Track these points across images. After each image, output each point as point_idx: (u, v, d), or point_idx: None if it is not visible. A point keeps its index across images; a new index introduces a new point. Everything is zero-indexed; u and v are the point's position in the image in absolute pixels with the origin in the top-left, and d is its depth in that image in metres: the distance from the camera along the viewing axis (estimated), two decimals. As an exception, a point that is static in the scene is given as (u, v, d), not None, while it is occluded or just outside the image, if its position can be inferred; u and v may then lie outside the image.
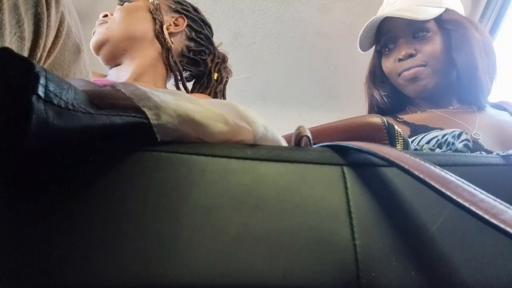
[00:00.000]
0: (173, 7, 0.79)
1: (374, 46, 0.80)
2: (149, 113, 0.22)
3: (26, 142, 0.17)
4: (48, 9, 0.30)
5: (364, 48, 0.76)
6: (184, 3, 0.82)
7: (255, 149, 0.25)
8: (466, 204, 0.18)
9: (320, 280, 0.20)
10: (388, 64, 0.73)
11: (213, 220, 0.20)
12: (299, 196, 0.23)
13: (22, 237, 0.18)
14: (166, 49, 0.72)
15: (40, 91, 0.17)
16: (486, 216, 0.17)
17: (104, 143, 0.21)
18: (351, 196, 0.23)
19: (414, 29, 0.69)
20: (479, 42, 0.69)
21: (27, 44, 0.28)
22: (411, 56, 0.68)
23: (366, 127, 0.44)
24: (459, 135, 0.64)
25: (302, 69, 1.31)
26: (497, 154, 0.32)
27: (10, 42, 0.26)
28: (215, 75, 0.82)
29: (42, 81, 0.17)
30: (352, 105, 1.36)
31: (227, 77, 0.85)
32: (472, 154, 0.30)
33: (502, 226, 0.16)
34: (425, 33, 0.68)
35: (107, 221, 0.19)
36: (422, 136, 0.70)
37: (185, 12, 0.79)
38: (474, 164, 0.29)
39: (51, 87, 0.17)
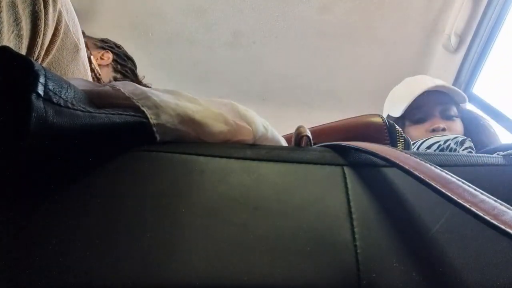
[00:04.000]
0: (99, 44, 0.89)
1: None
2: (148, 113, 0.22)
3: (26, 140, 0.17)
4: (45, 7, 0.30)
5: (397, 113, 0.86)
6: (108, 41, 0.92)
7: (255, 149, 0.25)
8: (467, 205, 0.18)
9: (321, 281, 0.19)
10: (416, 133, 0.83)
11: (213, 221, 0.20)
12: (299, 197, 0.23)
13: (21, 237, 0.18)
14: (96, 79, 0.79)
15: (40, 89, 0.17)
16: (487, 217, 0.17)
17: (104, 142, 0.21)
18: (351, 196, 0.23)
19: (445, 109, 0.82)
20: (488, 128, 0.82)
21: (25, 42, 0.28)
22: (443, 130, 0.79)
23: (367, 127, 0.44)
24: (462, 141, 0.65)
25: (302, 69, 1.31)
26: (498, 154, 0.32)
27: (8, 40, 0.26)
28: None
29: (41, 79, 0.17)
30: (352, 105, 1.36)
31: None
32: (473, 154, 0.30)
33: (502, 227, 0.16)
34: (452, 115, 0.81)
35: (107, 221, 0.19)
36: (422, 140, 0.70)
37: (109, 48, 0.89)
38: (475, 164, 0.29)
39: (51, 85, 0.17)
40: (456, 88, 0.83)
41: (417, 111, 0.82)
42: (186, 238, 0.19)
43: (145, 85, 0.92)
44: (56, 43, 0.33)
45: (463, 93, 0.83)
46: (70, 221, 0.19)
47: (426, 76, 0.90)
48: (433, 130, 0.79)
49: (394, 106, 0.88)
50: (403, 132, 0.84)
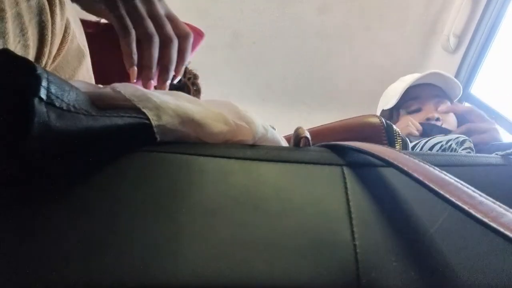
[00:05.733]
0: None
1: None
2: (149, 114, 0.22)
3: (28, 144, 0.17)
4: (52, 16, 0.30)
5: (392, 103, 0.87)
6: None
7: (254, 150, 0.25)
8: (465, 207, 0.18)
9: (320, 281, 0.20)
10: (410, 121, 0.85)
11: (213, 221, 0.20)
12: (299, 197, 0.23)
13: (22, 237, 0.18)
14: None
15: (42, 93, 0.17)
16: (485, 219, 0.17)
17: (105, 144, 0.21)
18: (351, 196, 0.23)
19: (439, 102, 0.83)
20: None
21: (32, 52, 0.28)
22: (438, 119, 0.80)
23: (364, 127, 0.44)
24: (463, 142, 0.65)
25: (302, 69, 1.31)
26: (496, 154, 0.32)
27: (14, 50, 0.26)
28: (191, 88, 0.86)
29: (44, 83, 0.17)
30: (352, 105, 1.36)
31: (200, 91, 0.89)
32: (471, 154, 0.30)
33: (501, 229, 0.16)
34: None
35: (107, 221, 0.19)
36: (426, 140, 0.71)
37: None
38: (473, 164, 0.29)
39: (53, 89, 0.17)
40: (451, 76, 0.85)
41: (414, 101, 0.84)
42: (186, 238, 0.19)
43: (194, 72, 0.85)
44: (63, 51, 0.33)
45: (459, 84, 0.84)
46: (70, 221, 0.19)
47: (421, 74, 0.92)
48: (428, 119, 0.80)
49: (389, 99, 0.90)
50: (397, 122, 0.85)
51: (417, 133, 0.75)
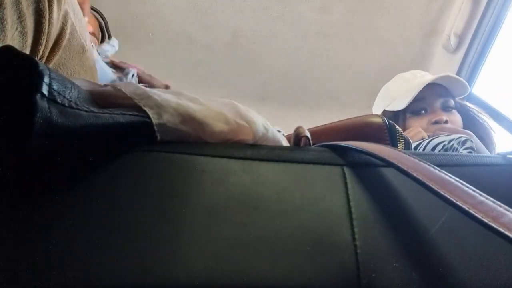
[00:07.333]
0: None
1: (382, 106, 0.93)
2: (150, 112, 0.22)
3: (30, 140, 0.17)
4: (50, 5, 0.30)
5: (401, 106, 0.86)
6: None
7: (255, 149, 0.25)
8: (465, 207, 0.18)
9: (321, 281, 0.20)
10: (418, 125, 0.86)
11: (213, 221, 0.20)
12: (299, 197, 0.23)
13: (22, 236, 0.18)
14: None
15: (44, 89, 0.17)
16: (485, 220, 0.17)
17: (106, 142, 0.21)
18: (351, 196, 0.23)
19: (444, 101, 0.83)
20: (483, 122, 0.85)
21: (29, 39, 0.28)
22: (446, 122, 0.80)
23: (367, 127, 0.44)
24: (464, 141, 0.65)
25: (302, 69, 1.31)
26: (497, 154, 0.32)
27: (12, 37, 0.26)
28: None
29: (46, 79, 0.17)
30: (352, 105, 1.36)
31: None
32: (473, 154, 0.30)
33: (501, 230, 0.16)
34: (451, 107, 0.83)
35: (107, 221, 0.19)
36: (428, 140, 0.71)
37: None
38: (475, 164, 0.29)
39: (55, 85, 0.18)
40: (458, 77, 0.84)
41: (420, 102, 0.84)
42: (186, 238, 0.19)
43: None
44: (62, 43, 0.33)
45: (465, 83, 0.83)
46: (70, 221, 0.19)
47: (422, 71, 0.91)
48: (436, 122, 0.80)
49: (395, 100, 0.89)
50: (404, 125, 0.85)
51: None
